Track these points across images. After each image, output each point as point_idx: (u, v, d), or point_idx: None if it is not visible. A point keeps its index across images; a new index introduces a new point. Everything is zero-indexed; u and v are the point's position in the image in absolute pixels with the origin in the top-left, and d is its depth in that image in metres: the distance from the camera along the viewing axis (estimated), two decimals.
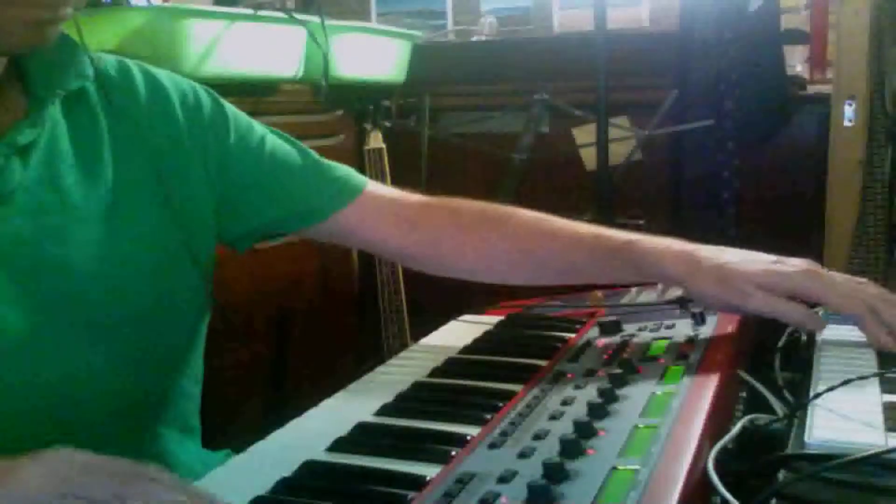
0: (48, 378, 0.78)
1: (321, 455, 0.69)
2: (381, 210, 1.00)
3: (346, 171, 1.01)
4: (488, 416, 0.73)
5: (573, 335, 0.98)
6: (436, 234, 1.01)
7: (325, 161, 1.01)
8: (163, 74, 0.92)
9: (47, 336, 0.77)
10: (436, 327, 1.09)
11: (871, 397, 0.71)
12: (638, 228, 0.96)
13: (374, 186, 1.02)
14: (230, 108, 0.96)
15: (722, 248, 0.91)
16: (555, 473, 0.59)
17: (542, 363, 0.88)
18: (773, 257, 0.88)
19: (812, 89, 2.58)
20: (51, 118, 0.80)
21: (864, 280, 0.87)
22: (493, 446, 0.66)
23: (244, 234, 0.98)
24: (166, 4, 1.93)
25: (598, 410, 0.70)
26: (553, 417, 0.71)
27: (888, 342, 0.82)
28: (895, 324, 0.83)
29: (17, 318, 0.76)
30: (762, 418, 0.71)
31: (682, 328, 0.94)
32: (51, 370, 0.78)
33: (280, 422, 0.78)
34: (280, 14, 1.99)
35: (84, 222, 0.80)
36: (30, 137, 0.77)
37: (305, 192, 0.97)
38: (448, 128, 2.67)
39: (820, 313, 0.89)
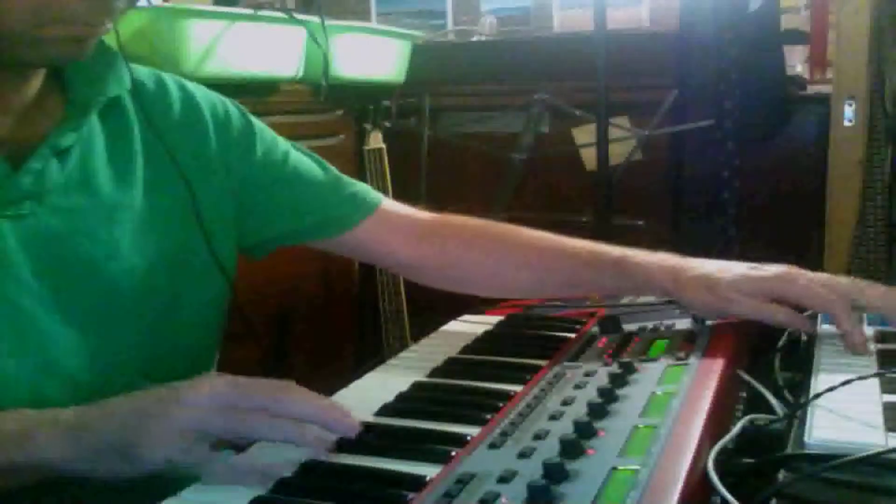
0: (73, 375, 0.80)
1: (321, 455, 0.69)
2: (394, 226, 1.04)
3: (363, 187, 1.05)
4: (488, 416, 0.73)
5: (573, 335, 0.98)
6: (443, 250, 1.05)
7: (344, 177, 1.05)
8: (195, 87, 0.96)
9: (74, 331, 0.80)
10: (436, 327, 1.09)
11: (871, 397, 0.71)
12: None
13: (388, 203, 1.06)
14: (258, 123, 1.00)
15: (704, 259, 0.94)
16: (555, 473, 0.59)
17: (542, 363, 0.88)
18: (749, 265, 0.91)
19: (812, 89, 2.58)
20: (87, 124, 0.83)
21: (842, 279, 0.89)
22: (493, 446, 0.66)
23: (262, 242, 1.01)
24: (166, 4, 1.93)
25: (598, 410, 0.70)
26: (553, 417, 0.71)
27: (859, 341, 0.83)
28: (873, 302, 0.85)
29: (45, 312, 0.78)
30: (762, 418, 0.71)
31: (682, 328, 0.94)
32: (76, 366, 0.80)
33: None
34: (280, 14, 1.99)
35: (115, 224, 0.84)
36: (70, 141, 0.80)
37: (324, 205, 1.01)
38: (448, 128, 2.67)
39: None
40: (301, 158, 1.01)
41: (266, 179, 0.97)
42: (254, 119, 0.99)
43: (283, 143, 1.01)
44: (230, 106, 0.98)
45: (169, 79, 0.94)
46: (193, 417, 0.64)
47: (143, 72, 0.92)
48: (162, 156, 0.88)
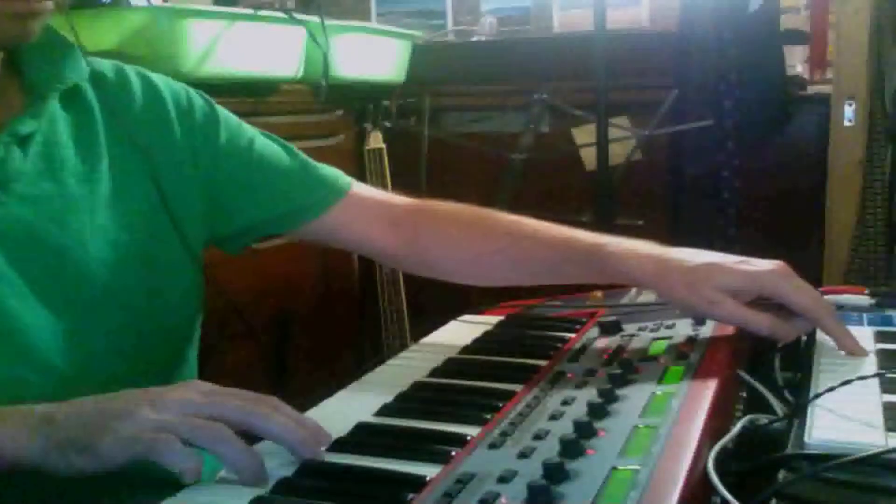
0: (50, 361, 0.80)
1: (321, 455, 0.69)
2: (366, 211, 1.03)
3: (332, 171, 1.04)
4: (488, 416, 0.73)
5: (573, 335, 0.98)
6: (416, 235, 1.03)
7: (313, 162, 1.03)
8: (157, 77, 0.95)
9: (49, 318, 0.80)
10: (436, 327, 1.09)
11: (871, 397, 0.71)
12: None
13: (359, 187, 1.05)
14: (221, 110, 0.99)
15: (692, 250, 0.91)
16: (555, 473, 0.59)
17: (542, 363, 0.88)
18: (739, 258, 0.88)
19: (812, 89, 2.58)
20: (50, 113, 0.83)
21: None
22: (493, 446, 0.66)
23: (234, 234, 1.00)
24: (166, 4, 1.93)
25: (598, 410, 0.70)
26: (553, 417, 0.71)
27: (852, 343, 0.83)
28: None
29: (19, 299, 0.78)
30: (762, 418, 0.70)
31: (682, 328, 0.94)
32: (52, 351, 0.80)
33: None
34: (280, 14, 1.99)
35: (82, 212, 0.83)
36: (30, 128, 0.80)
37: (293, 191, 1.00)
38: (448, 128, 2.67)
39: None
40: (268, 144, 1.01)
41: (232, 166, 0.97)
42: (218, 107, 0.99)
43: (248, 130, 1.00)
44: (193, 94, 0.97)
45: (130, 70, 0.94)
46: (156, 421, 0.63)
47: (104, 63, 0.92)
48: (126, 145, 0.88)
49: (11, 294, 0.78)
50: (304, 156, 1.03)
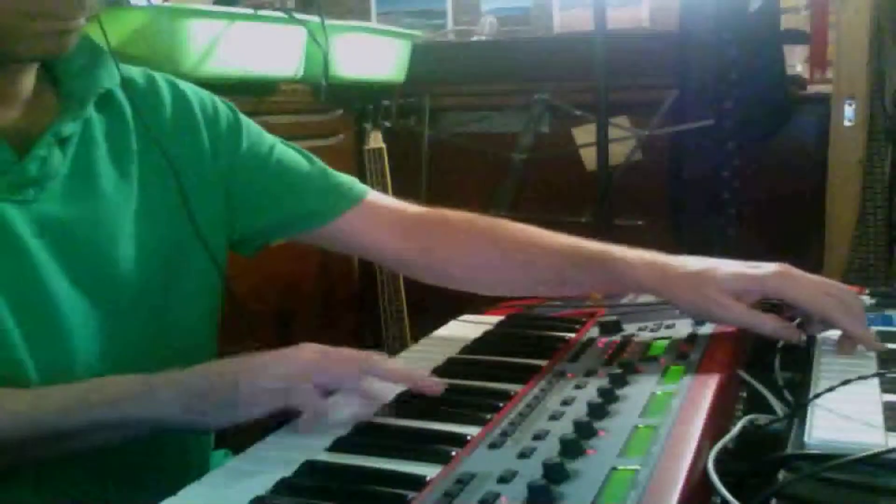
0: (81, 349, 0.82)
1: (321, 455, 0.69)
2: (380, 218, 1.04)
3: (349, 179, 1.06)
4: (488, 416, 0.73)
5: (573, 335, 0.98)
6: (428, 244, 1.05)
7: (331, 170, 1.06)
8: (185, 85, 0.98)
9: (83, 308, 0.83)
10: (436, 327, 1.09)
11: (871, 397, 0.71)
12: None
13: (374, 196, 1.06)
14: (244, 118, 1.02)
15: (694, 257, 0.92)
16: (555, 473, 0.59)
17: (542, 363, 0.88)
18: (742, 263, 0.89)
19: (812, 89, 2.58)
20: (86, 115, 0.86)
21: (834, 282, 0.88)
22: (493, 446, 0.66)
23: (250, 236, 1.02)
24: (166, 4, 1.93)
25: (598, 410, 0.70)
26: (553, 417, 0.71)
27: (867, 336, 0.83)
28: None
29: (58, 286, 0.81)
30: (762, 418, 0.71)
31: (682, 328, 0.94)
32: (84, 340, 0.83)
33: (280, 422, 0.78)
34: (280, 14, 1.99)
35: (113, 211, 0.87)
36: (71, 130, 0.83)
37: (310, 196, 1.02)
38: (448, 128, 2.67)
39: None
40: (287, 151, 1.03)
41: (252, 170, 0.99)
42: (241, 115, 1.02)
43: (269, 138, 1.03)
44: (218, 102, 1.00)
45: (159, 77, 0.96)
46: (283, 381, 0.77)
47: (134, 70, 0.95)
48: (154, 150, 0.91)
49: (52, 280, 0.81)
50: (321, 163, 1.05)
